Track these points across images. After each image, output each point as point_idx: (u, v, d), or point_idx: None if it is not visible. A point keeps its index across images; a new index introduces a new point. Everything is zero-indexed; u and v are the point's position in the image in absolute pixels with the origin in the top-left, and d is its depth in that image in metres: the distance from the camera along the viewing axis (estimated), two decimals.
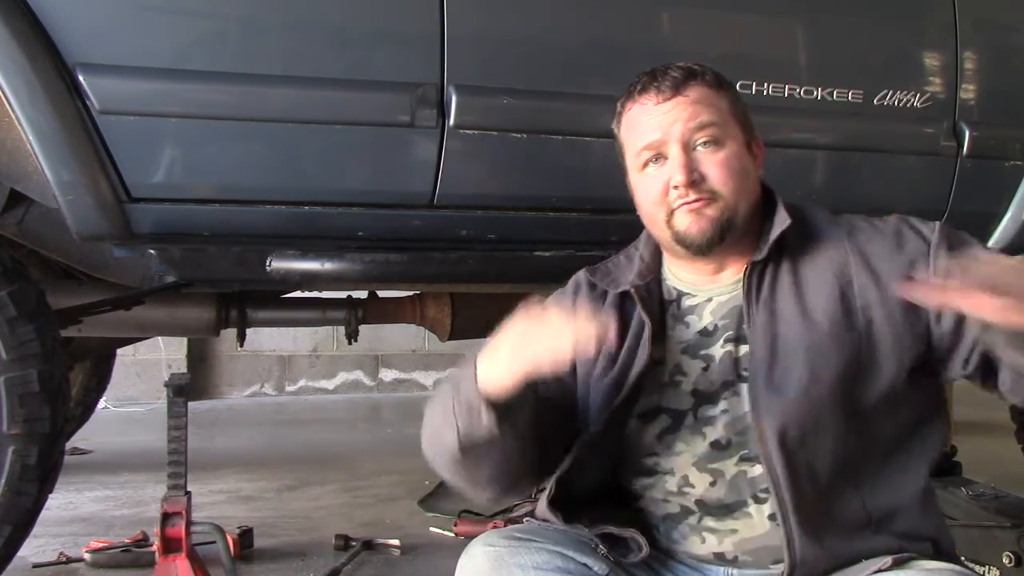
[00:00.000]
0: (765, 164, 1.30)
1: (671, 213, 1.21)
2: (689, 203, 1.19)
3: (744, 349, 1.22)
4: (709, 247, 1.21)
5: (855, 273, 1.20)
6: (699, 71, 1.24)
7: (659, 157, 1.22)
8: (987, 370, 1.15)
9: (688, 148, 1.20)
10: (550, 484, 1.24)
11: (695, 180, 1.19)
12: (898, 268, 1.18)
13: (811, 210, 1.29)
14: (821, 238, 1.24)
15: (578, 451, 1.22)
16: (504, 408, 1.10)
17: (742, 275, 1.23)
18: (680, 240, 1.21)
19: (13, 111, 1.62)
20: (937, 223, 1.23)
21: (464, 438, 1.12)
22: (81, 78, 1.65)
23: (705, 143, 1.20)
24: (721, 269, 1.26)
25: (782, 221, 1.22)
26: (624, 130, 1.28)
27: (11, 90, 1.61)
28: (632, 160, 1.26)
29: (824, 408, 1.15)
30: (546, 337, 1.05)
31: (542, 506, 1.26)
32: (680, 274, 1.30)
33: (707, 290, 1.28)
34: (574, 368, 1.30)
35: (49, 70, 1.62)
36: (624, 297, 1.30)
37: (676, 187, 1.19)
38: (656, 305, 1.29)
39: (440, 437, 1.16)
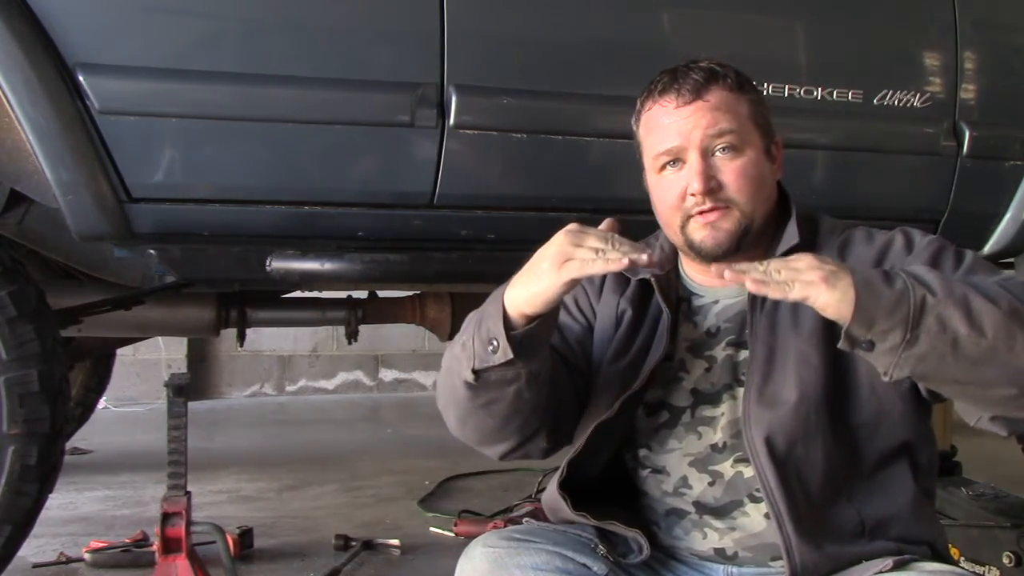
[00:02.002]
0: None
1: (687, 220, 1.21)
2: (705, 212, 1.19)
3: (744, 354, 1.23)
4: (724, 257, 1.20)
5: None
6: (721, 73, 1.23)
7: (677, 161, 1.22)
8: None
9: (706, 155, 1.20)
10: (561, 466, 1.24)
11: (712, 188, 1.19)
12: None
13: (820, 220, 1.30)
14: (819, 251, 1.23)
15: (591, 434, 1.22)
16: (524, 342, 1.10)
17: None
18: (694, 249, 1.22)
19: (13, 111, 1.62)
20: (935, 236, 1.22)
21: (479, 371, 1.11)
22: (81, 78, 1.66)
23: (724, 149, 1.20)
24: None
25: (790, 239, 1.23)
26: (643, 130, 1.27)
27: (11, 90, 1.61)
28: (650, 162, 1.26)
29: (812, 422, 1.16)
30: (588, 247, 1.06)
31: (551, 490, 1.25)
32: (693, 273, 1.31)
33: (715, 292, 1.28)
34: (591, 330, 1.32)
35: (49, 70, 1.63)
36: (643, 284, 1.31)
37: (693, 194, 1.19)
38: (674, 296, 1.30)
39: (453, 376, 1.16)
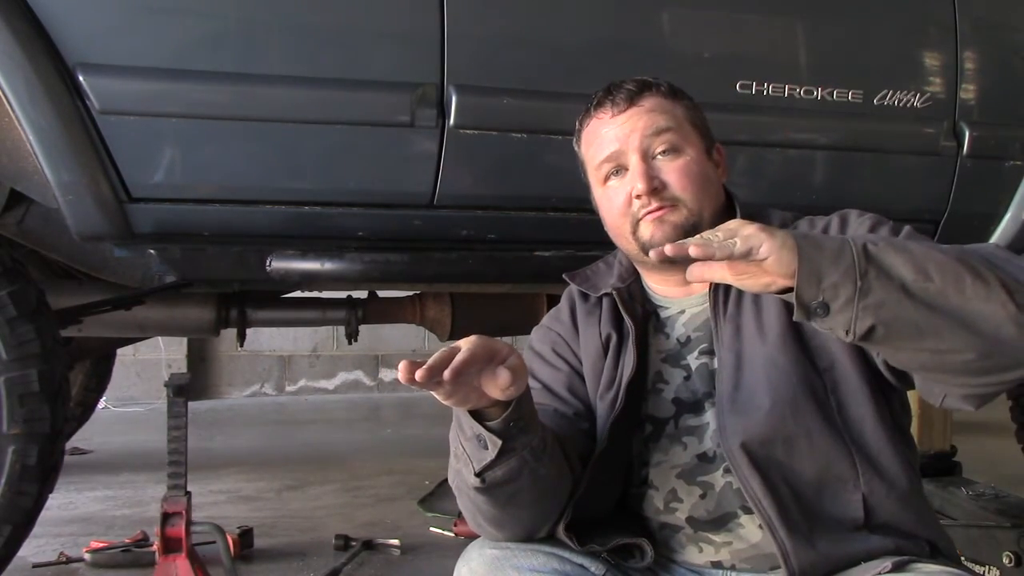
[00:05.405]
0: (767, 164, 1.30)
1: (636, 224, 1.21)
2: (652, 211, 1.19)
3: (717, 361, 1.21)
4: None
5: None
6: (653, 82, 1.25)
7: (619, 169, 1.22)
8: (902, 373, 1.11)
9: (647, 157, 1.20)
10: (567, 510, 1.18)
11: (656, 188, 1.19)
12: None
13: (770, 216, 1.27)
14: None
15: (592, 473, 1.19)
16: (508, 431, 1.05)
17: (708, 290, 1.23)
18: (646, 250, 1.20)
19: (13, 111, 1.62)
20: (873, 215, 1.19)
21: (482, 473, 1.07)
22: (81, 78, 1.66)
23: (664, 152, 1.21)
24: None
25: None
26: (584, 146, 1.29)
27: (11, 90, 1.61)
28: (594, 175, 1.27)
29: (789, 424, 1.14)
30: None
31: (558, 531, 1.19)
32: (654, 286, 1.30)
33: (679, 302, 1.28)
34: (578, 374, 1.30)
35: (49, 70, 1.62)
36: (615, 305, 1.29)
37: (638, 196, 1.19)
38: (639, 308, 1.28)
39: (466, 492, 1.12)
